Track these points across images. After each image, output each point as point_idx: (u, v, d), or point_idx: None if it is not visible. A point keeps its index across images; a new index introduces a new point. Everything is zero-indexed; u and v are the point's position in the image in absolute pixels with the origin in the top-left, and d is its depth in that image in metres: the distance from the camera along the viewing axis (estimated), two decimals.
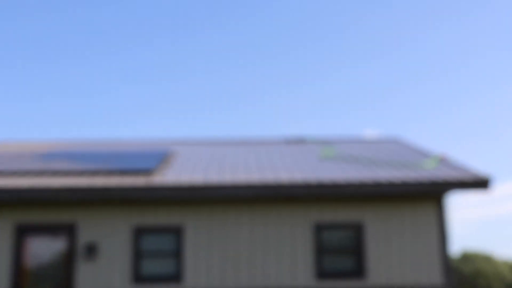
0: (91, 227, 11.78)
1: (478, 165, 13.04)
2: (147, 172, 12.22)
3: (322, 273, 11.72)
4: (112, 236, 11.75)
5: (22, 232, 11.73)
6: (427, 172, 12.34)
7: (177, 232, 11.83)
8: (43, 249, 11.73)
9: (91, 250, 11.56)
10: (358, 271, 11.77)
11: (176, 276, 11.65)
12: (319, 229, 11.91)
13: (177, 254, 11.74)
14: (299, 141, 17.38)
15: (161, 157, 13.72)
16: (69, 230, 11.74)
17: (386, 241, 11.88)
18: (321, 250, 11.82)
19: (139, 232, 11.81)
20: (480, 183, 11.39)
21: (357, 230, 11.95)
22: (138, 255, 11.70)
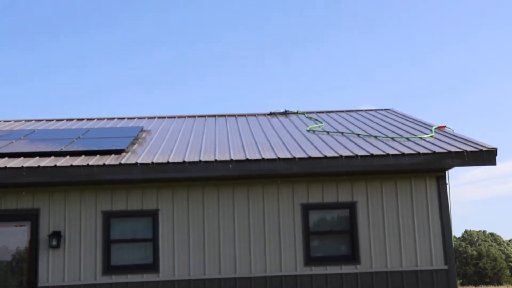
0: (56, 213, 10.66)
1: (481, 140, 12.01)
2: (117, 152, 11.07)
3: (311, 259, 10.66)
4: (79, 222, 10.63)
5: None
6: (426, 143, 11.24)
7: (151, 217, 10.73)
8: (1, 238, 10.63)
9: (56, 238, 10.44)
10: (350, 255, 10.71)
11: (151, 265, 10.58)
12: (307, 210, 10.83)
13: (151, 240, 10.64)
14: (284, 114, 16.20)
15: (133, 136, 12.54)
16: (31, 217, 10.62)
17: (380, 222, 10.82)
18: (309, 233, 10.75)
19: (109, 217, 10.70)
20: (486, 155, 10.29)
21: (349, 210, 10.88)
22: (108, 243, 10.60)
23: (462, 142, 11.04)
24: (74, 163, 10.26)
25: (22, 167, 10.16)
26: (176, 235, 10.63)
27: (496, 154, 10.34)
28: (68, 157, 10.85)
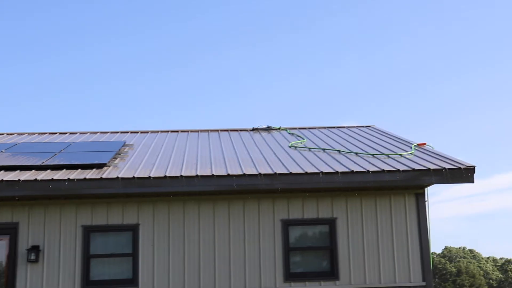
0: (35, 227, 10.60)
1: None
2: (99, 166, 11.06)
3: (290, 275, 10.69)
4: (59, 236, 10.58)
5: None
6: (405, 160, 11.35)
7: (131, 231, 10.70)
8: None
9: (35, 253, 10.38)
10: (329, 271, 10.75)
11: (131, 280, 10.54)
12: (287, 225, 10.87)
13: (131, 255, 10.60)
14: (266, 130, 16.29)
15: (116, 150, 12.53)
16: (10, 230, 10.55)
17: (360, 238, 10.88)
18: (289, 249, 10.78)
19: (89, 232, 10.66)
20: (464, 173, 10.42)
21: (329, 226, 10.93)
22: (87, 257, 10.56)
23: (441, 160, 11.17)
24: (55, 177, 10.24)
25: (2, 180, 10.11)
26: (156, 250, 10.61)
27: (474, 172, 10.46)
28: (49, 171, 10.82)
